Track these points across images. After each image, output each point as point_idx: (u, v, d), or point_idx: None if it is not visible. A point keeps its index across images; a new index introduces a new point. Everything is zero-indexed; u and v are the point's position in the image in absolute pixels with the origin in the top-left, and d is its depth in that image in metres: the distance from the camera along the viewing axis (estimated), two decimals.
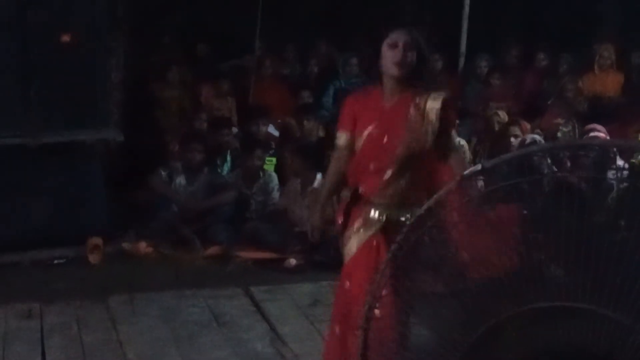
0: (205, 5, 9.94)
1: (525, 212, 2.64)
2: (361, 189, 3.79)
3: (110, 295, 5.63)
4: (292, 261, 6.38)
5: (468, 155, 6.57)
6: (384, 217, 3.72)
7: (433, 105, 3.64)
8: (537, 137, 6.85)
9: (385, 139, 3.69)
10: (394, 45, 3.69)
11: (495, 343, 2.51)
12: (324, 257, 6.39)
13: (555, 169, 6.26)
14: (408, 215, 3.56)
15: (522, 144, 6.70)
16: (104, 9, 6.58)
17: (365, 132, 3.74)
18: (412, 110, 3.66)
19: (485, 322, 2.50)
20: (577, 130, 7.69)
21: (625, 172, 4.49)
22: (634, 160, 6.39)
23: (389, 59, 3.69)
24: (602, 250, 2.39)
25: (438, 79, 8.76)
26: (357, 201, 3.81)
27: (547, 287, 2.46)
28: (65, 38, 6.40)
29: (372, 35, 9.62)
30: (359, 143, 3.79)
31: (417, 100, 3.66)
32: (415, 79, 3.70)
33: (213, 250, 6.60)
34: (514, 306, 2.47)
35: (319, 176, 6.90)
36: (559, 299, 2.43)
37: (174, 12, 9.95)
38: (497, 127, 7.73)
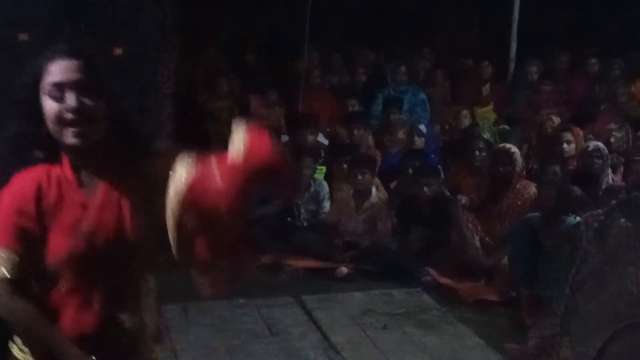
0: (253, 15, 10.02)
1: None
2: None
3: (164, 304, 5.67)
4: (343, 270, 6.38)
5: (520, 162, 6.47)
6: None
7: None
8: (599, 143, 6.68)
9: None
10: (57, 90, 2.11)
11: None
12: (374, 266, 6.39)
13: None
14: None
15: (585, 151, 6.56)
16: (154, 21, 6.66)
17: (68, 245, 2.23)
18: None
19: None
20: (630, 136, 7.57)
21: None
22: None
23: (53, 118, 2.12)
24: None
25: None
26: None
27: None
28: (116, 51, 6.48)
29: (418, 43, 9.67)
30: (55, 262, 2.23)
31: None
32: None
33: (264, 259, 6.62)
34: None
35: (373, 190, 6.88)
36: None
37: (221, 23, 10.02)
38: (550, 133, 7.64)
